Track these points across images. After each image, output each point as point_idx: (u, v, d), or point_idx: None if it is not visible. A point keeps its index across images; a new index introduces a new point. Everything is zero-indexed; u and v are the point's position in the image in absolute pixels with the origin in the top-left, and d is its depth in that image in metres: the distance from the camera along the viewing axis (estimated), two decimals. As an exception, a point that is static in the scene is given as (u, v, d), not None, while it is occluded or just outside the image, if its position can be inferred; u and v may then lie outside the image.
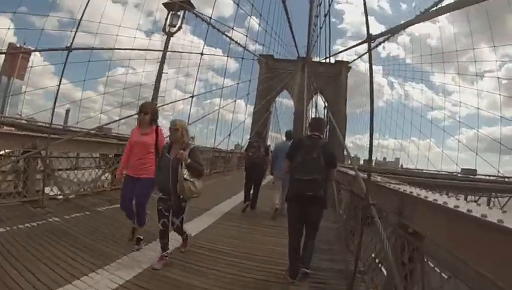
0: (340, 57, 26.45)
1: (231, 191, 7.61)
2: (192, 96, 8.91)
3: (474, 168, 18.23)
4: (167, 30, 10.03)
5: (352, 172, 3.92)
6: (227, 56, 15.50)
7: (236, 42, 15.85)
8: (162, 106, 9.15)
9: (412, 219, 1.98)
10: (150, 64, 17.35)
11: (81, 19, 5.69)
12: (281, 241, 3.66)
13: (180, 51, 15.50)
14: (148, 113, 3.35)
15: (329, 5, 17.20)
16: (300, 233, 2.93)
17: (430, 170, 19.10)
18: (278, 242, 3.79)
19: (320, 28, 19.07)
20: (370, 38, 2.75)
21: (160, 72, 8.99)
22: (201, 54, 11.64)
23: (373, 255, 2.96)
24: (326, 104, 23.91)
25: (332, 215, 5.44)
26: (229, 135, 13.78)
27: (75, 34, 5.19)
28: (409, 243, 2.04)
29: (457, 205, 1.40)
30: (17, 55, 46.64)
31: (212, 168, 12.41)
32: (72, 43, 4.95)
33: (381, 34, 4.04)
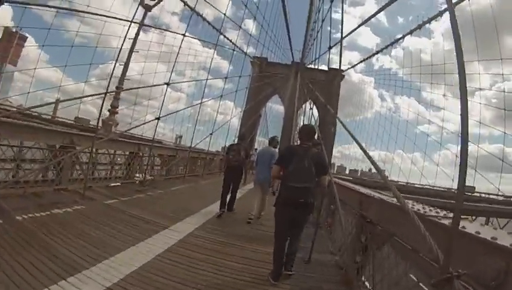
0: (334, 65, 26.08)
1: (206, 200, 6.83)
2: (167, 84, 7.90)
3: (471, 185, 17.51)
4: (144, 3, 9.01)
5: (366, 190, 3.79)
6: (216, 44, 14.32)
7: (225, 36, 14.89)
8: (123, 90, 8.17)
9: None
10: (140, 57, 16.35)
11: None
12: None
13: (163, 28, 14.29)
14: None
15: (330, 8, 16.67)
16: (287, 237, 3.14)
17: (425, 185, 18.58)
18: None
19: (317, 32, 18.57)
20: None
21: (132, 49, 7.92)
22: (184, 35, 10.61)
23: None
24: (317, 111, 23.45)
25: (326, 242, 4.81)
26: (211, 134, 12.85)
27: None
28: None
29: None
30: (12, 40, 44.79)
31: (188, 171, 11.45)
32: None
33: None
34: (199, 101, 11.43)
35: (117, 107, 7.49)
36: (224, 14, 14.04)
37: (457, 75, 1.39)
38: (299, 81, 25.17)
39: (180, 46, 9.71)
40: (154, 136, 7.93)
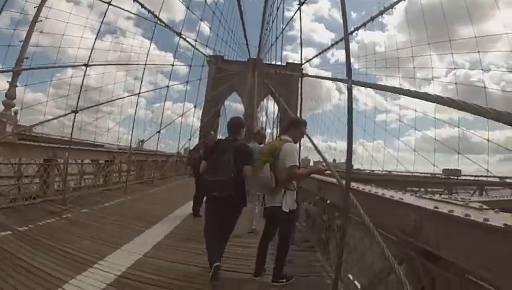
0: (291, 60, 25.80)
1: (152, 221, 5.07)
2: (86, 66, 6.26)
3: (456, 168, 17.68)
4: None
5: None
6: (175, 49, 12.91)
7: (184, 39, 13.29)
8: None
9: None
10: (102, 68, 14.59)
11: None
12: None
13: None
14: None
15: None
16: (214, 233, 3.02)
17: (402, 172, 18.70)
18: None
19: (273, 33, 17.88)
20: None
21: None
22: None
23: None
24: (278, 106, 22.81)
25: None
26: (158, 132, 11.28)
27: None
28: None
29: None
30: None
31: (134, 177, 9.71)
32: None
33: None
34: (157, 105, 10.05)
35: (14, 98, 5.47)
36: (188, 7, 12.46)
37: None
38: (257, 76, 24.41)
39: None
40: (71, 135, 6.13)
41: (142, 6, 10.69)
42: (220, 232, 3.03)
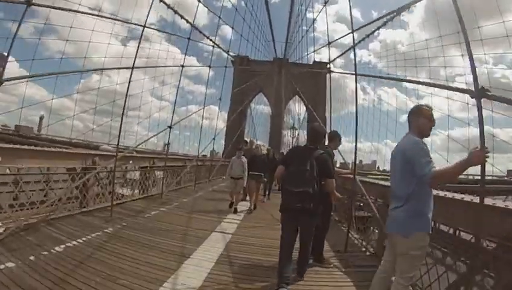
0: (318, 59, 25.43)
1: None
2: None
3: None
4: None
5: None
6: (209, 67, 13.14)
7: (207, 38, 13.48)
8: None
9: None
10: (126, 72, 15.33)
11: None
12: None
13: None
14: None
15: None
16: (291, 244, 2.93)
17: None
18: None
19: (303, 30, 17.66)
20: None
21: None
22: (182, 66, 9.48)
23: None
24: (305, 107, 22.64)
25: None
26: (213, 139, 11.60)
27: None
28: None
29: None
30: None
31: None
32: None
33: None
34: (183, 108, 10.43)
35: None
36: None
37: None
38: (284, 77, 24.31)
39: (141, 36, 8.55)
40: (168, 148, 7.21)
41: (176, 12, 11.03)
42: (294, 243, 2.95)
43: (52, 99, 7.78)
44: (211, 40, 13.95)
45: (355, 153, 4.54)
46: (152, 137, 7.77)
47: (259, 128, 30.65)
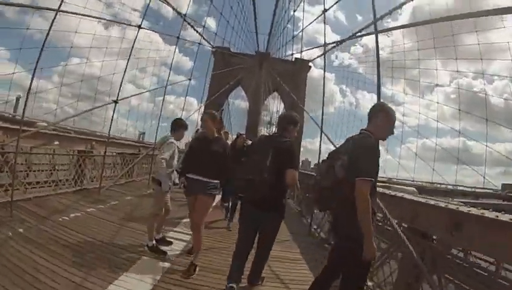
0: (299, 56, 25.01)
1: None
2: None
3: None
4: None
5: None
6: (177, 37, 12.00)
7: (192, 26, 12.48)
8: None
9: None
10: (108, 56, 14.12)
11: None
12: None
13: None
14: None
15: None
16: (247, 242, 2.69)
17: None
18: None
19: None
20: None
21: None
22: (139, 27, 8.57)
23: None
24: (284, 103, 22.14)
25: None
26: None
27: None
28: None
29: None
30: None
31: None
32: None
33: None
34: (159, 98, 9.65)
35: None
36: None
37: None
38: (264, 71, 23.66)
39: (135, 38, 7.88)
40: (111, 125, 6.58)
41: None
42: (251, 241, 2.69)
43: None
44: (191, 26, 13.14)
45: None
46: (92, 110, 6.74)
47: (236, 123, 29.99)
